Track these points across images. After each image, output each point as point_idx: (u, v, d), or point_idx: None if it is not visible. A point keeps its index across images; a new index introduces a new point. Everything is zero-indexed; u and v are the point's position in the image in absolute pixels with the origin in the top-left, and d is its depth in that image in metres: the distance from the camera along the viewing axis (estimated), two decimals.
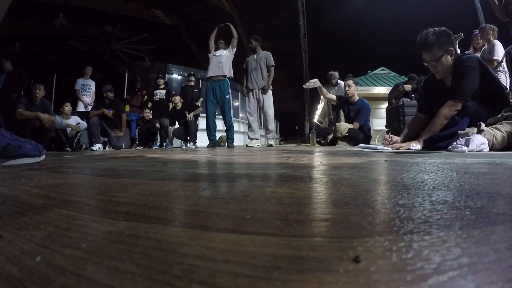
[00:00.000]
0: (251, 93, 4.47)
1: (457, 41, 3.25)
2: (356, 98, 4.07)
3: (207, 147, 4.27)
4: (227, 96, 4.36)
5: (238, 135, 10.12)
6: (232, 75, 4.43)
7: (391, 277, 0.16)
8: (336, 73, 5.33)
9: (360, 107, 3.98)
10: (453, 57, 1.84)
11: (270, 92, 4.47)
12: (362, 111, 3.94)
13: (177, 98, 5.30)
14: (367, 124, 4.03)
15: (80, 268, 0.18)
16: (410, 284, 0.15)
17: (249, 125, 4.56)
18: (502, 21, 3.27)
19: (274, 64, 4.44)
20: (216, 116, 4.52)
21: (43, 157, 1.20)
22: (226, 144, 4.61)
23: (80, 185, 0.59)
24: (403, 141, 2.00)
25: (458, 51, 1.94)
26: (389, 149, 1.86)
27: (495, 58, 3.36)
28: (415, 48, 1.92)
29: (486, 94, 1.77)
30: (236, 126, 10.76)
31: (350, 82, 4.08)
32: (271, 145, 4.33)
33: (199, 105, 5.59)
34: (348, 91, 4.07)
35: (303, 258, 0.18)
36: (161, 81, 5.94)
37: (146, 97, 6.21)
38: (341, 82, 5.02)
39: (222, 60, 4.31)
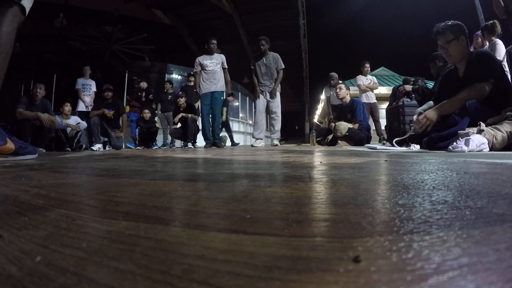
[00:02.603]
0: (261, 93, 4.50)
1: None
2: (348, 99, 4.30)
3: (204, 147, 4.27)
4: (222, 98, 4.43)
5: (238, 135, 10.11)
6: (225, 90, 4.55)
7: (391, 277, 0.16)
8: (335, 75, 5.71)
9: (352, 106, 4.18)
10: (465, 45, 1.91)
11: (278, 93, 4.52)
12: (355, 109, 4.12)
13: (183, 99, 5.33)
14: (365, 120, 4.21)
15: (80, 268, 0.18)
16: (410, 284, 0.15)
17: (256, 124, 4.57)
18: (500, 17, 3.28)
19: (284, 67, 4.46)
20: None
21: (36, 154, 1.66)
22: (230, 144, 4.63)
23: (80, 185, 0.59)
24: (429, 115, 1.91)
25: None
26: (390, 149, 1.86)
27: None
28: (432, 37, 2.01)
29: (493, 90, 1.77)
30: (236, 126, 10.76)
31: (342, 85, 4.37)
32: (276, 145, 4.34)
33: (198, 106, 5.62)
34: (338, 93, 4.35)
35: (303, 258, 0.18)
36: (168, 86, 6.07)
37: (143, 84, 6.23)
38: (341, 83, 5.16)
39: (217, 77, 4.42)
